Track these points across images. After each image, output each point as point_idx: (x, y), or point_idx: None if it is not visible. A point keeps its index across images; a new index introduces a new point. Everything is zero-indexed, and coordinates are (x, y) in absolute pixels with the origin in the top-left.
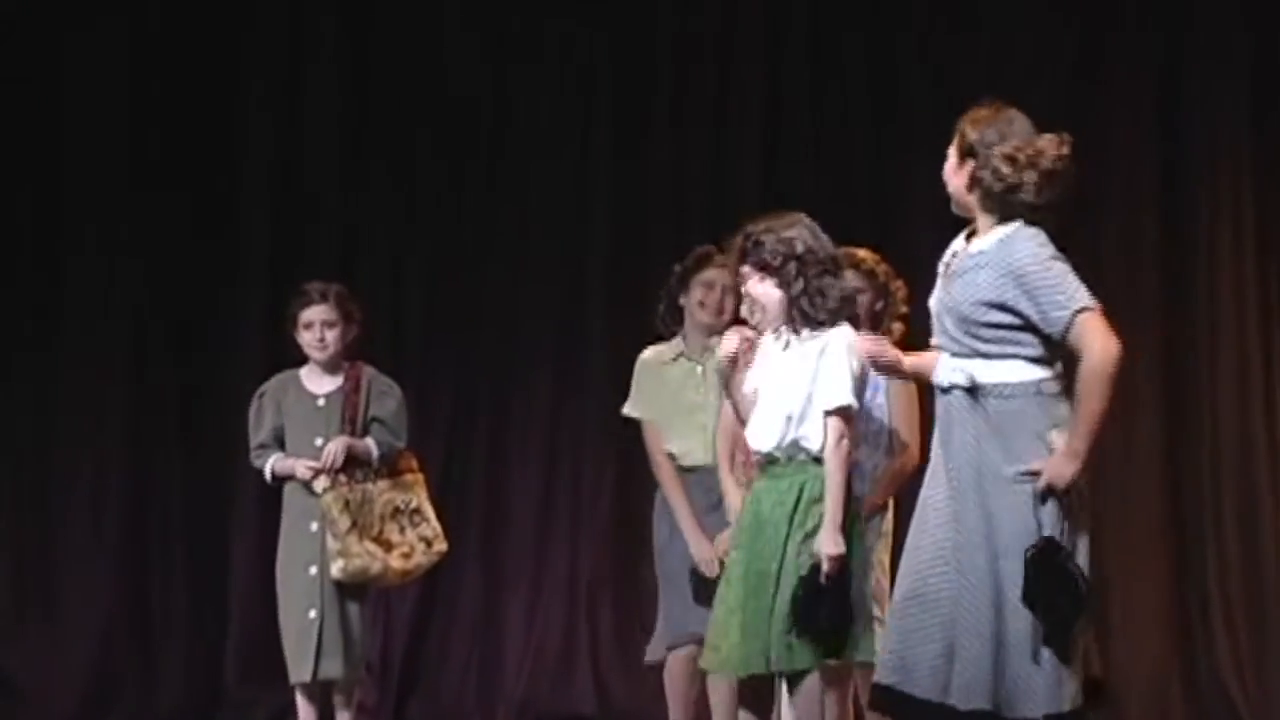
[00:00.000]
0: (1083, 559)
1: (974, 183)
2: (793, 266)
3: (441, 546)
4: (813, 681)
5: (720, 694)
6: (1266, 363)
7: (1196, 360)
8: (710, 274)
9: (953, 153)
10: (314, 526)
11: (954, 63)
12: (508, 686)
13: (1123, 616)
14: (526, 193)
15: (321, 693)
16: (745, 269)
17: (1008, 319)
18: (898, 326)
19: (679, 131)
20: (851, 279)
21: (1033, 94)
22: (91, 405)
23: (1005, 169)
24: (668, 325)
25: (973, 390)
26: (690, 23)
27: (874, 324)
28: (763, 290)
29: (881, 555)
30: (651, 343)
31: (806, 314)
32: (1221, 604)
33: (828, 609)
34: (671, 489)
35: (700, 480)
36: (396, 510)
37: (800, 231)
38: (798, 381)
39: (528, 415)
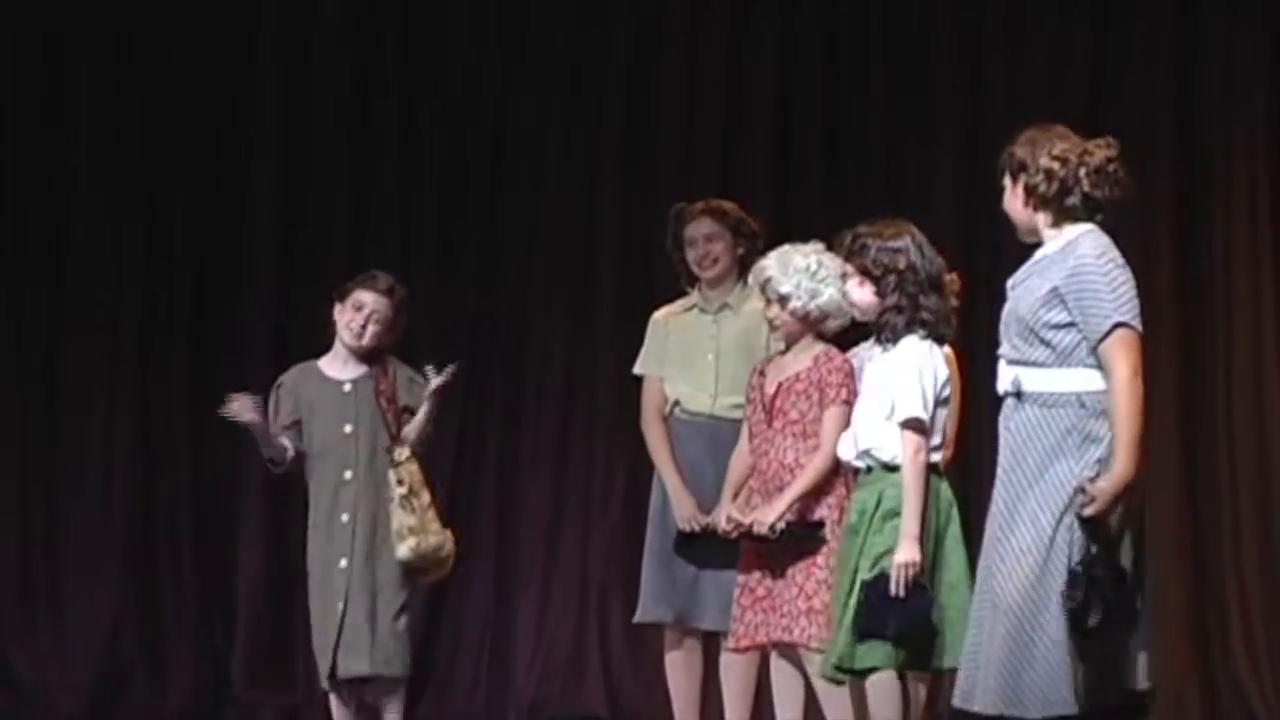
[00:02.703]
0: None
1: (1029, 194)
2: (893, 279)
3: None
4: (886, 681)
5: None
6: None
7: (1213, 362)
8: (691, 229)
9: (1007, 180)
10: (344, 518)
11: (971, 35)
12: (518, 688)
13: None
14: (534, 193)
15: (354, 695)
16: (848, 268)
17: (1061, 317)
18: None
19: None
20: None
21: (1048, 92)
22: (98, 404)
23: (1056, 167)
24: (690, 283)
25: (1019, 396)
26: None
27: None
28: (860, 295)
29: None
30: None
31: (895, 327)
32: (1239, 606)
33: (896, 619)
34: (658, 447)
35: (701, 429)
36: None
37: (907, 244)
38: (870, 392)
39: (539, 416)
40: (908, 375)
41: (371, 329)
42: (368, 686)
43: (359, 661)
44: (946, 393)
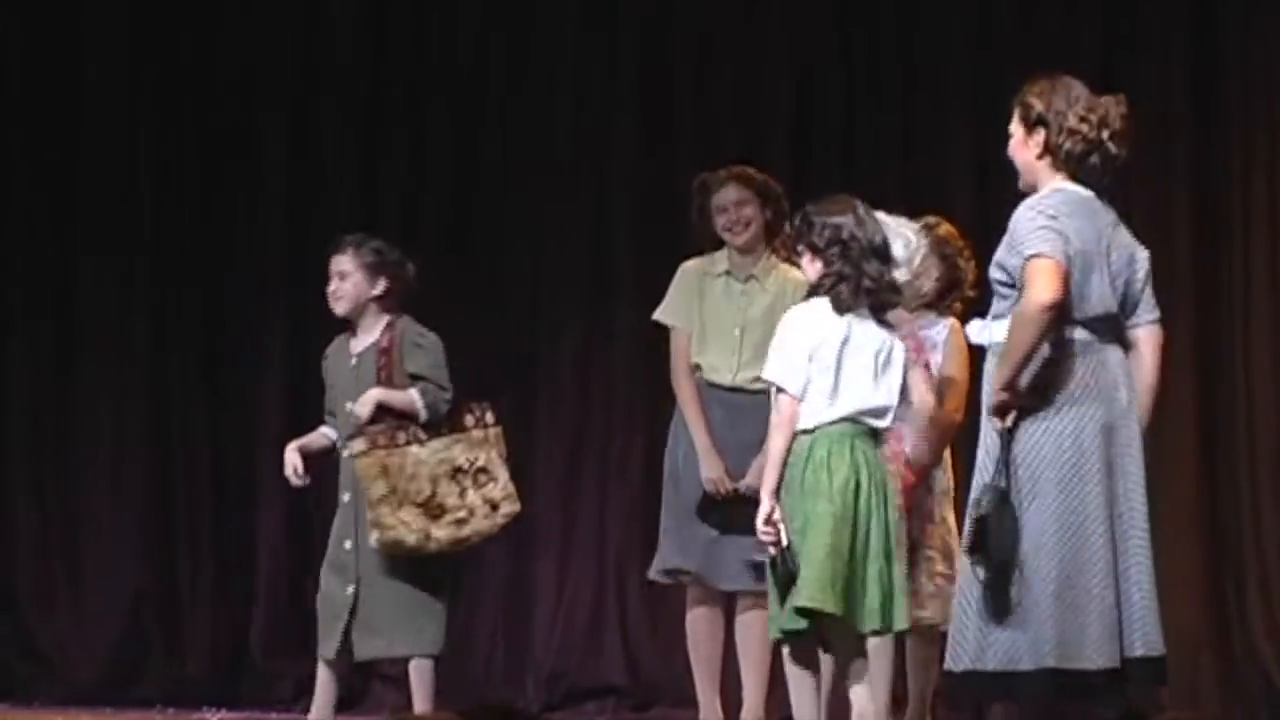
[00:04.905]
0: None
1: (1049, 150)
2: (836, 249)
3: (511, 508)
4: (784, 653)
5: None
6: None
7: (1230, 327)
8: (720, 197)
9: (1017, 128)
10: (346, 497)
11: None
12: (536, 657)
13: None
14: (550, 159)
15: (353, 670)
16: (800, 247)
17: (1001, 275)
18: (957, 307)
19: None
20: (907, 268)
21: (1061, 56)
22: (114, 377)
23: (1085, 129)
24: (710, 245)
25: (986, 349)
26: None
27: (936, 301)
28: (813, 270)
29: (945, 512)
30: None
31: (840, 294)
32: (1257, 572)
33: (778, 581)
34: (689, 404)
35: (722, 398)
36: (457, 470)
37: (846, 218)
38: None
39: (556, 382)
40: (781, 338)
41: (340, 287)
42: (390, 663)
43: (375, 643)
44: (831, 352)
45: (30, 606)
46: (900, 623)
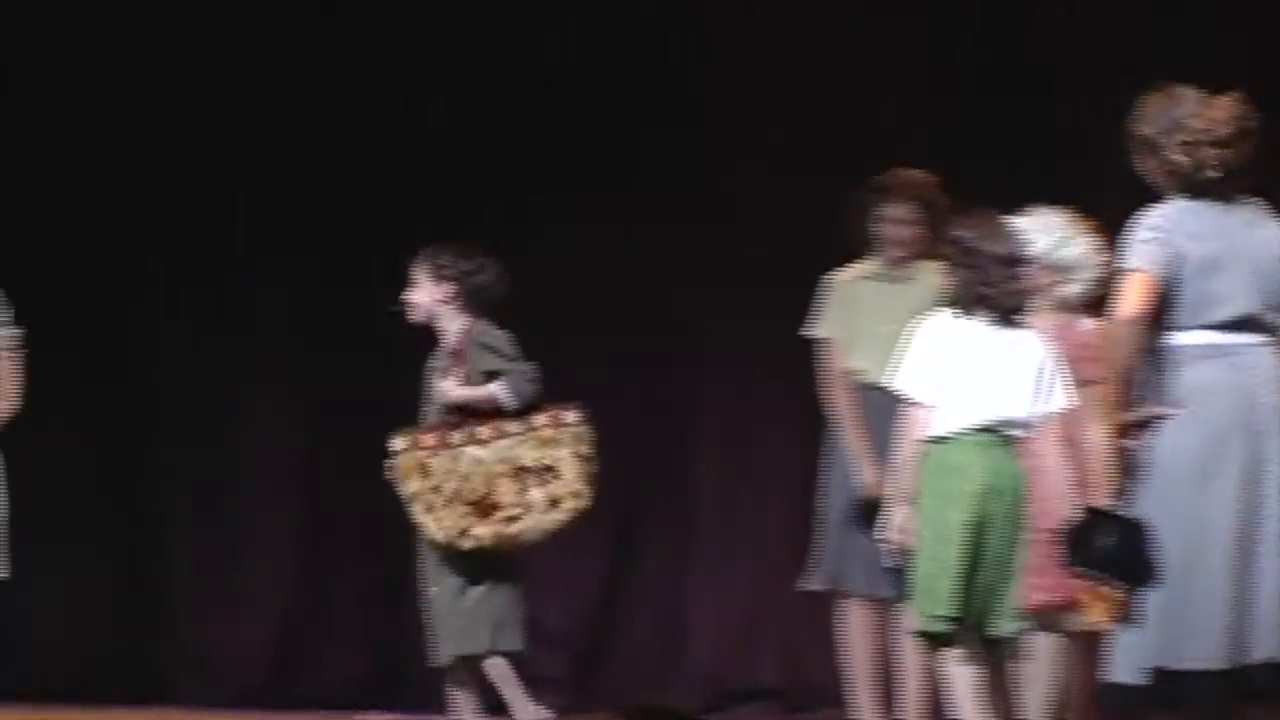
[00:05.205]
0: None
1: (1165, 171)
2: (962, 260)
3: (575, 504)
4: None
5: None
6: None
7: None
8: (890, 209)
9: (1135, 149)
10: None
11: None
12: (695, 659)
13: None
14: (728, 180)
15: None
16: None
17: None
18: None
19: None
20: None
21: (1204, 58)
22: (270, 381)
23: (1182, 158)
24: (861, 246)
25: None
26: None
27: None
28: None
29: None
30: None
31: (964, 301)
32: None
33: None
34: (844, 412)
35: (875, 399)
36: (521, 469)
37: (973, 230)
38: None
39: (712, 386)
40: (912, 348)
41: (412, 297)
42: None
43: (447, 644)
44: (959, 360)
45: (186, 608)
46: (996, 632)
